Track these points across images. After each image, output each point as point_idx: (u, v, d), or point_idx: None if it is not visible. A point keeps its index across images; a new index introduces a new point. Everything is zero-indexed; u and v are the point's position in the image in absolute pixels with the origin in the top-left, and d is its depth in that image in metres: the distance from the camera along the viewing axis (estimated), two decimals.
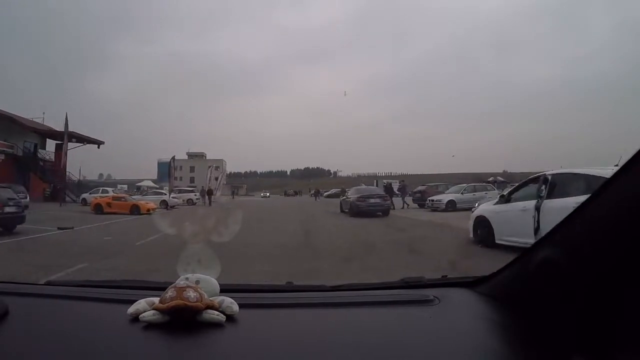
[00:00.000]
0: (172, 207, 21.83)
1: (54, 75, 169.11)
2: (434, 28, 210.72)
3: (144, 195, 24.64)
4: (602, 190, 0.67)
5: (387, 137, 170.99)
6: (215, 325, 0.89)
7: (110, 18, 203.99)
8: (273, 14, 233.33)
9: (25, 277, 4.03)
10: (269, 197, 55.31)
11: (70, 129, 26.63)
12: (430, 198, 17.81)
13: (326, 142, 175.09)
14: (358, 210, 14.61)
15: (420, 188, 21.39)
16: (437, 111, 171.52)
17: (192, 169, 68.71)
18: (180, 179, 66.59)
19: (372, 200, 15.05)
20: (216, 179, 39.08)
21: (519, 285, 0.94)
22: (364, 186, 21.43)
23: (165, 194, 24.47)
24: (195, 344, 0.84)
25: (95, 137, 30.92)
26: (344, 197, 17.56)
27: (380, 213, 14.89)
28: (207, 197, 26.72)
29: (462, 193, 17.60)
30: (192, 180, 51.63)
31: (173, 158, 23.83)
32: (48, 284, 1.29)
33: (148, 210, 16.97)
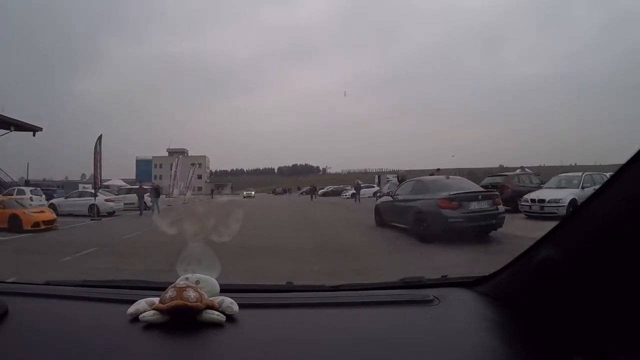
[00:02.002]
0: (111, 213, 15.26)
1: (37, 73, 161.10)
2: (424, 26, 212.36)
3: (79, 197, 16.40)
4: (602, 190, 0.67)
5: (378, 134, 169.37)
6: (215, 325, 0.89)
7: (92, 14, 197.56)
8: (260, 12, 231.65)
9: None
10: (253, 197, 39.60)
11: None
12: (530, 197, 10.71)
13: (314, 139, 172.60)
14: (446, 227, 6.78)
15: (491, 180, 13.06)
16: (429, 108, 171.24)
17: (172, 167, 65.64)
18: (160, 177, 64.90)
19: (474, 206, 7.08)
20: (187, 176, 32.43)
21: (519, 285, 0.95)
22: (429, 177, 9.99)
23: (110, 195, 17.05)
24: (195, 344, 0.83)
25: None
26: (388, 199, 9.53)
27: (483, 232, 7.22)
28: (146, 199, 16.29)
29: (582, 188, 10.69)
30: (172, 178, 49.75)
31: (99, 138, 15.81)
32: (48, 284, 1.26)
33: (37, 223, 10.21)
